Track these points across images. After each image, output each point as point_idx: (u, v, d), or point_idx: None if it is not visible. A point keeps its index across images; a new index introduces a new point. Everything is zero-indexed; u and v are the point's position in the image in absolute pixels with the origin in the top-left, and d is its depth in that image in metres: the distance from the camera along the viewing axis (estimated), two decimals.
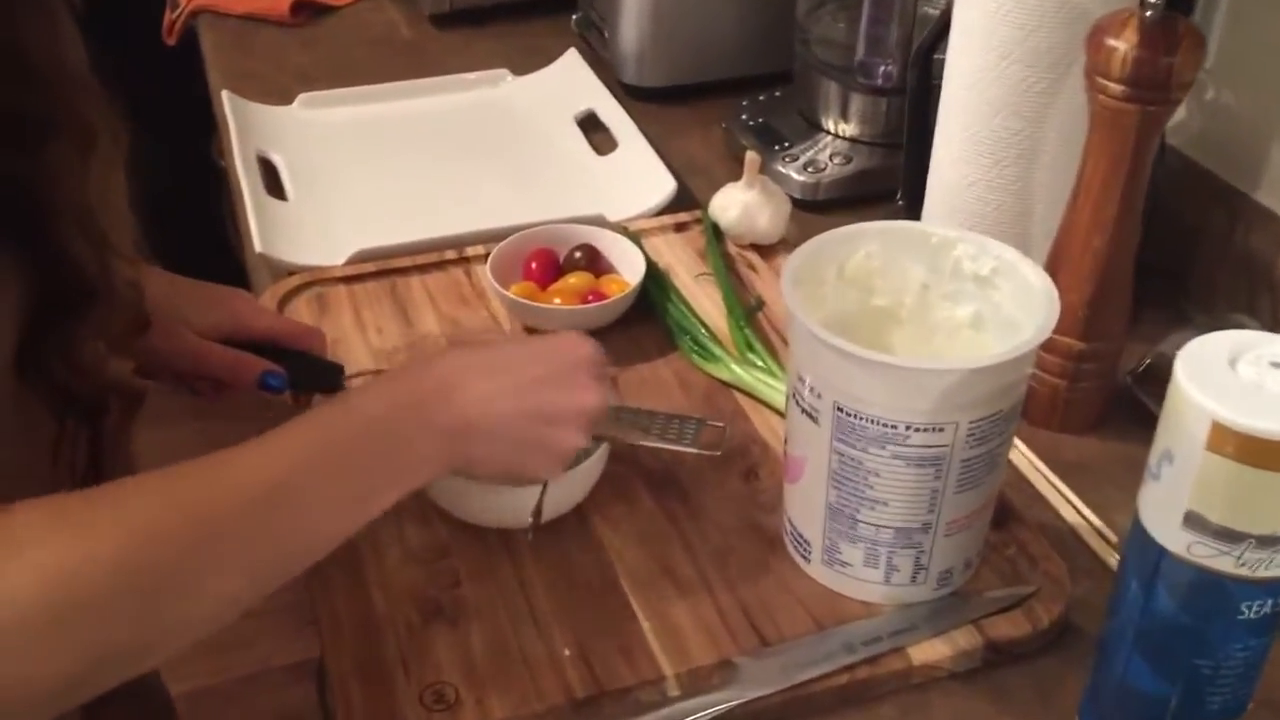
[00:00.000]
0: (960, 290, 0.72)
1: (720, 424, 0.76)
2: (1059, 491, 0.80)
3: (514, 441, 0.64)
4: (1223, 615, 0.55)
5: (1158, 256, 0.94)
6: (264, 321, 0.79)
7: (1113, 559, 0.75)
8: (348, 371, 0.81)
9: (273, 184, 1.08)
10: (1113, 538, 0.76)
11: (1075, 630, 0.70)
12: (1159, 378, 0.85)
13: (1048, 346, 0.82)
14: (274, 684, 1.81)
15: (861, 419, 0.63)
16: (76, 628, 0.49)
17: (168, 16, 1.45)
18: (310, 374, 0.78)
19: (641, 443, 0.74)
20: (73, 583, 0.49)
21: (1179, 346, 0.55)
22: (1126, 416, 0.85)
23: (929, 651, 0.67)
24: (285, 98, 1.21)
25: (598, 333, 0.89)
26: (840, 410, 0.64)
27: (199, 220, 1.65)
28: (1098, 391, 0.84)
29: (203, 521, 0.53)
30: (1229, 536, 0.53)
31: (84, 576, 0.49)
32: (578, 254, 0.94)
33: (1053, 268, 0.81)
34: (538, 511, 0.70)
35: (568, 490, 0.73)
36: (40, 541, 0.49)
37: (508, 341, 0.69)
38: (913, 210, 0.98)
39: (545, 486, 0.70)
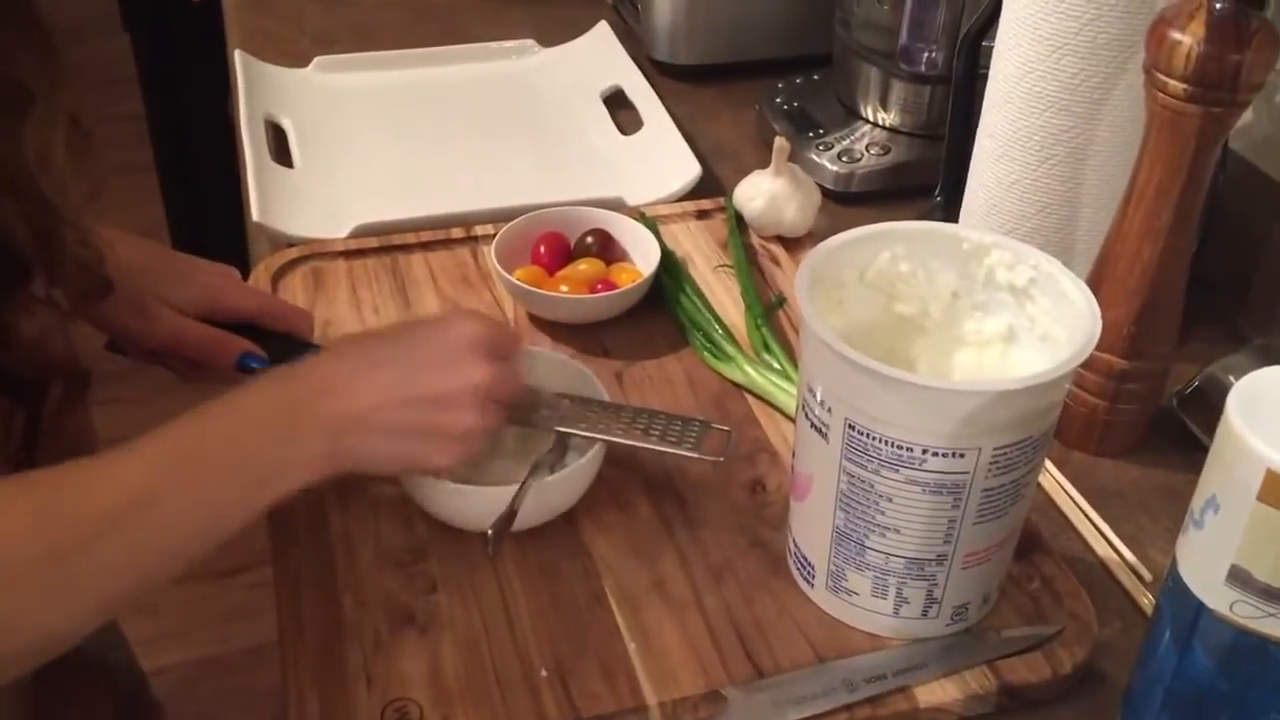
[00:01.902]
0: (993, 300, 0.66)
1: (725, 428, 0.71)
2: (1091, 521, 0.74)
3: (403, 433, 0.61)
4: (1265, 682, 0.50)
5: (1214, 269, 0.87)
6: (247, 300, 0.75)
7: (1146, 600, 0.69)
8: None
9: (281, 150, 1.04)
10: (1148, 576, 0.70)
11: (1100, 677, 0.64)
12: (1208, 402, 0.79)
13: (1088, 364, 0.76)
14: (276, 657, 1.80)
15: (874, 438, 0.58)
16: None
17: None
18: (290, 357, 0.74)
19: (637, 444, 0.69)
20: None
21: (1231, 369, 0.49)
22: (1170, 442, 0.79)
23: (937, 693, 0.62)
24: (302, 60, 1.17)
25: (605, 324, 0.85)
26: (851, 427, 0.58)
27: (216, 183, 1.62)
28: (1140, 414, 0.78)
29: (48, 547, 0.50)
30: (1278, 597, 0.47)
31: None
32: (589, 239, 0.88)
33: (1097, 278, 0.75)
34: (503, 521, 0.64)
35: (554, 494, 0.68)
36: None
37: (394, 332, 0.67)
38: (951, 207, 0.92)
39: (520, 491, 0.65)
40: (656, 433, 0.70)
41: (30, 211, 0.54)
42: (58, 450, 0.64)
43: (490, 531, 0.64)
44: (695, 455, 0.69)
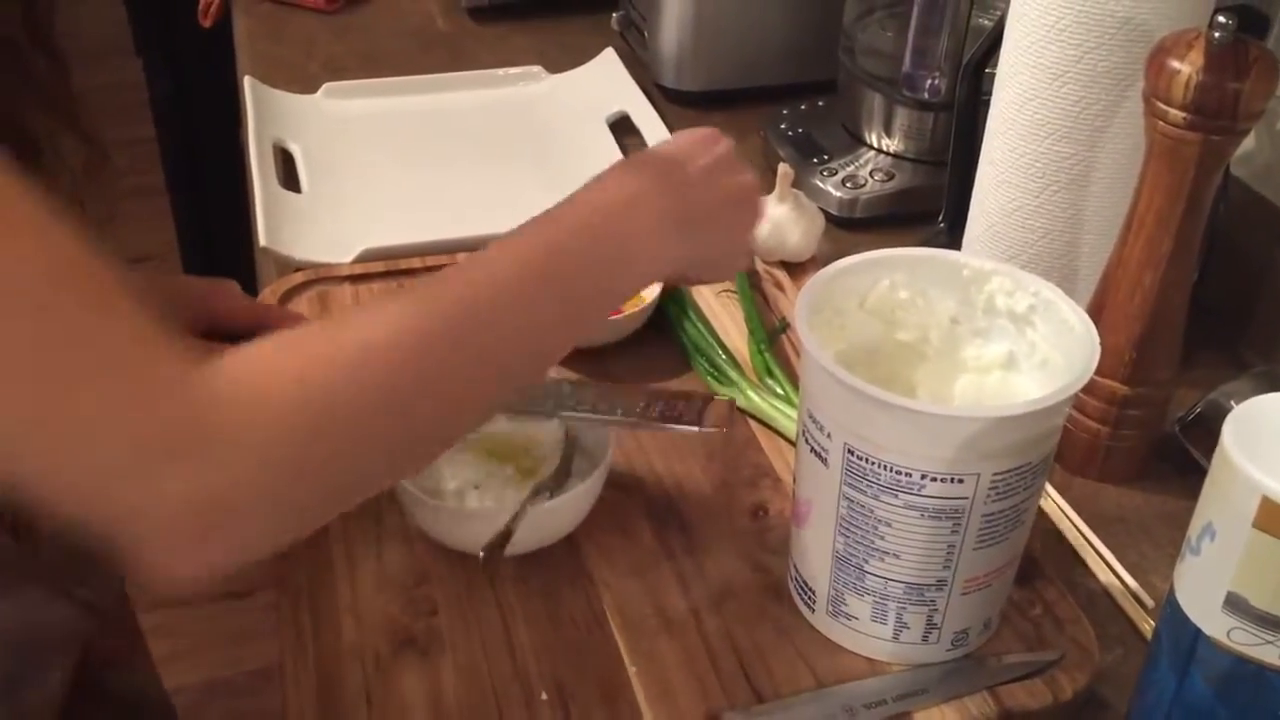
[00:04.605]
0: (993, 327, 0.67)
1: (728, 398, 0.71)
2: (1093, 547, 0.74)
3: (704, 231, 0.61)
4: (1262, 709, 0.49)
5: (1216, 296, 0.88)
6: (245, 312, 0.74)
7: (1148, 626, 0.68)
8: None
9: (289, 175, 1.05)
10: (1150, 602, 0.70)
11: (1101, 704, 0.64)
12: (1210, 428, 0.79)
13: (1090, 390, 0.76)
14: None
15: (873, 463, 0.58)
16: (327, 443, 0.45)
17: None
18: None
19: (640, 426, 0.68)
20: (326, 399, 0.45)
21: (1233, 395, 0.49)
22: (1173, 468, 0.79)
23: (937, 719, 0.62)
24: (311, 86, 1.18)
25: (609, 349, 0.85)
26: (851, 452, 0.59)
27: (226, 207, 1.63)
28: (1142, 440, 0.78)
29: (452, 326, 0.50)
30: (1275, 624, 0.47)
31: (337, 393, 0.46)
32: None
33: (1099, 304, 0.75)
34: (498, 541, 0.64)
35: (555, 518, 0.68)
36: (283, 365, 0.46)
37: (668, 142, 0.66)
38: (955, 233, 0.92)
39: (518, 513, 0.65)
40: (657, 412, 0.69)
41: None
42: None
43: (482, 551, 0.64)
44: (698, 430, 0.68)
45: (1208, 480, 0.49)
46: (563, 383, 0.71)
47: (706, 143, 0.64)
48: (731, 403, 0.70)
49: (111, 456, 0.41)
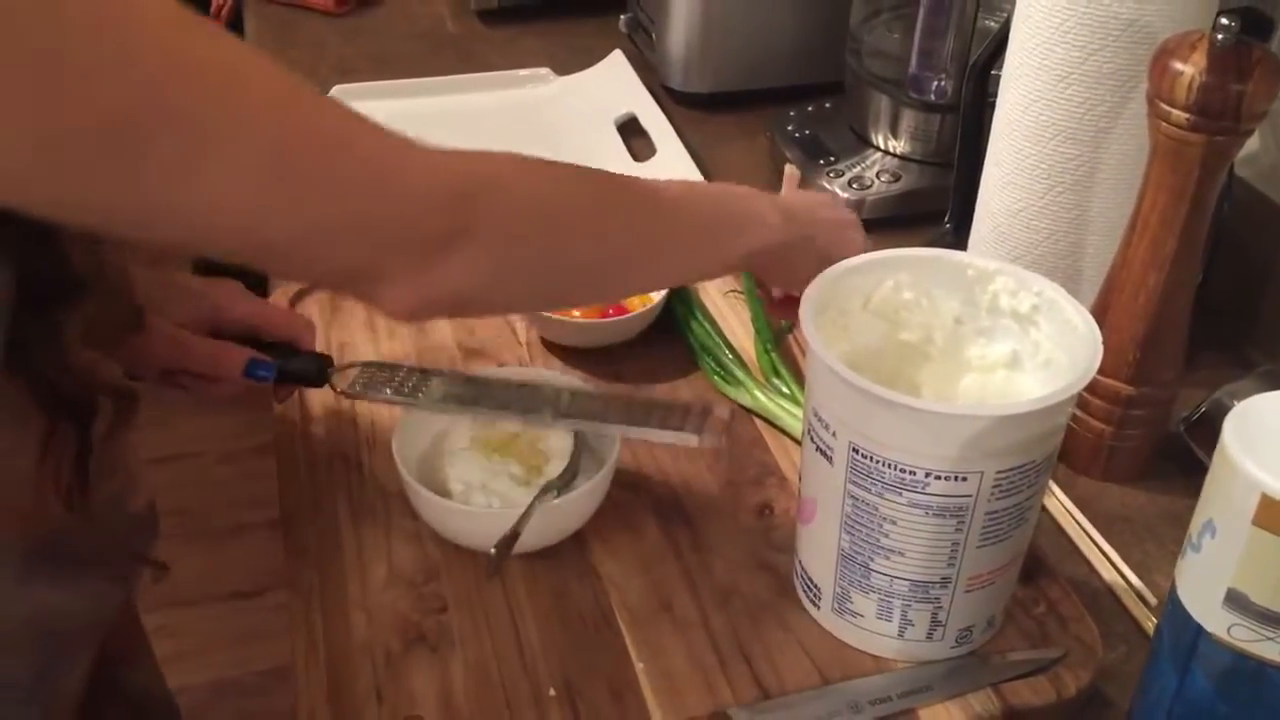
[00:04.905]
0: (997, 326, 0.67)
1: (726, 412, 0.71)
2: (1097, 546, 0.74)
3: (804, 236, 0.69)
4: (1264, 706, 0.50)
5: (1221, 296, 0.88)
6: (247, 311, 0.75)
7: (1152, 625, 0.69)
8: (337, 364, 0.77)
9: None
10: (1153, 601, 0.71)
11: (1104, 701, 0.65)
12: (1214, 428, 0.79)
13: (1094, 390, 0.77)
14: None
15: (877, 462, 0.59)
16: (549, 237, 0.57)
17: (215, 0, 1.44)
18: (296, 365, 0.75)
19: (639, 434, 0.69)
20: (552, 203, 0.57)
21: (1238, 395, 0.50)
22: (1178, 468, 0.79)
23: (941, 715, 0.62)
24: (322, 88, 1.18)
25: (617, 349, 0.86)
26: (856, 451, 0.59)
27: None
28: (1146, 439, 0.79)
29: (630, 202, 0.62)
30: (1275, 621, 0.48)
31: (560, 201, 0.58)
32: None
33: (1103, 305, 0.76)
34: (507, 541, 0.65)
35: (562, 516, 0.69)
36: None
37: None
38: (961, 234, 0.93)
39: (526, 512, 0.66)
40: (656, 419, 0.70)
41: (82, 235, 0.56)
42: (111, 474, 0.66)
43: (493, 550, 0.64)
44: (697, 441, 0.69)
45: (1208, 478, 0.49)
46: (563, 391, 0.71)
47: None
48: (732, 415, 0.70)
49: (381, 211, 0.50)
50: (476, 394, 0.71)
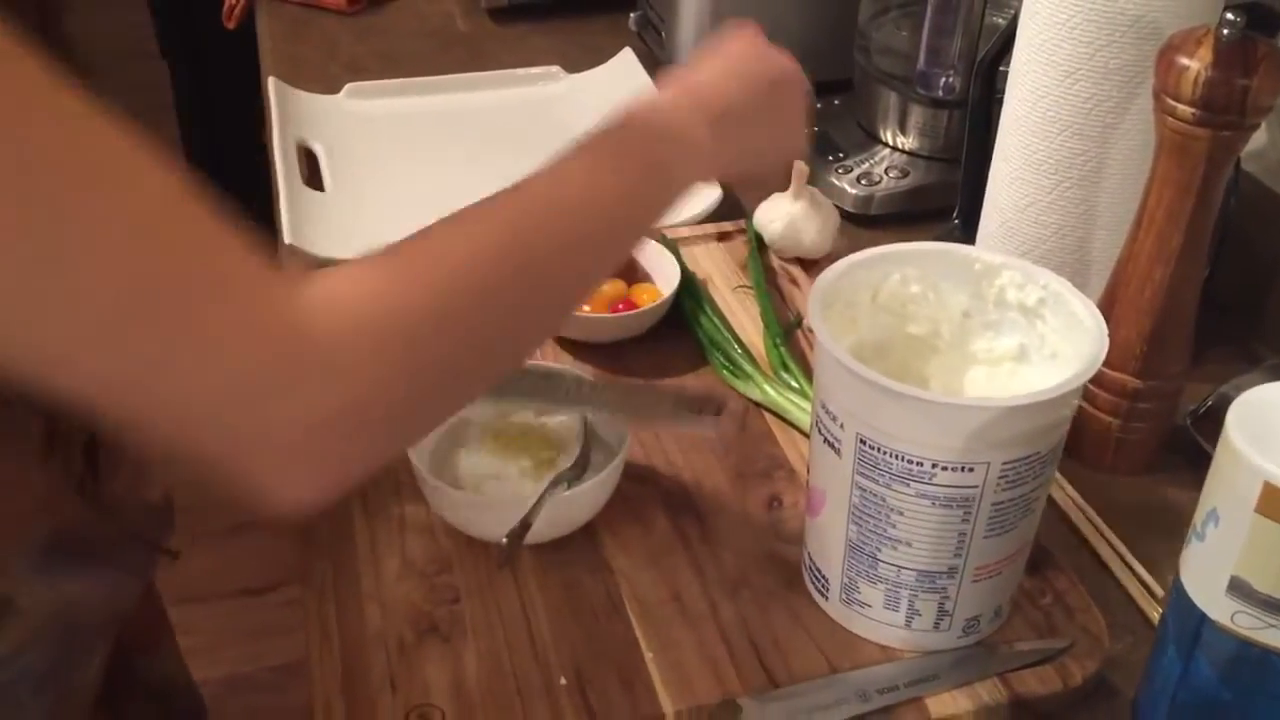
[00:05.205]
0: (1004, 320, 0.68)
1: (741, 405, 0.72)
2: (1104, 538, 0.75)
3: (762, 118, 0.63)
4: (1266, 692, 0.51)
5: (1228, 291, 0.88)
6: None
7: (1158, 615, 0.69)
8: None
9: (312, 174, 1.06)
10: (1159, 592, 0.71)
11: (1110, 690, 0.65)
12: (1221, 421, 0.80)
13: (1101, 383, 0.77)
14: (306, 673, 1.82)
15: (885, 453, 0.59)
16: (408, 348, 0.47)
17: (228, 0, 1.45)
18: None
19: (656, 422, 0.70)
20: (420, 317, 0.47)
21: (1244, 389, 0.50)
22: (1184, 461, 0.79)
23: (948, 704, 0.63)
24: (334, 87, 1.20)
25: (627, 343, 0.86)
26: (863, 442, 0.60)
27: (249, 207, 1.65)
28: (1153, 432, 0.79)
29: (522, 241, 0.53)
30: (1277, 608, 0.48)
31: (430, 310, 0.48)
32: None
33: (1110, 299, 0.76)
34: (518, 531, 0.66)
35: (573, 507, 0.70)
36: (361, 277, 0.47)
37: (703, 53, 0.66)
38: (969, 230, 0.93)
39: (537, 503, 0.66)
40: (672, 410, 0.70)
41: None
42: (124, 471, 0.66)
43: (505, 540, 0.65)
44: (714, 432, 0.69)
45: (1212, 467, 0.50)
46: (583, 380, 0.72)
47: (736, 35, 0.66)
48: (747, 405, 0.71)
49: (224, 384, 0.42)
50: (499, 383, 0.72)
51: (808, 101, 0.66)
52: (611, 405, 0.71)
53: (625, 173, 0.57)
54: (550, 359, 0.85)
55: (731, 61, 0.64)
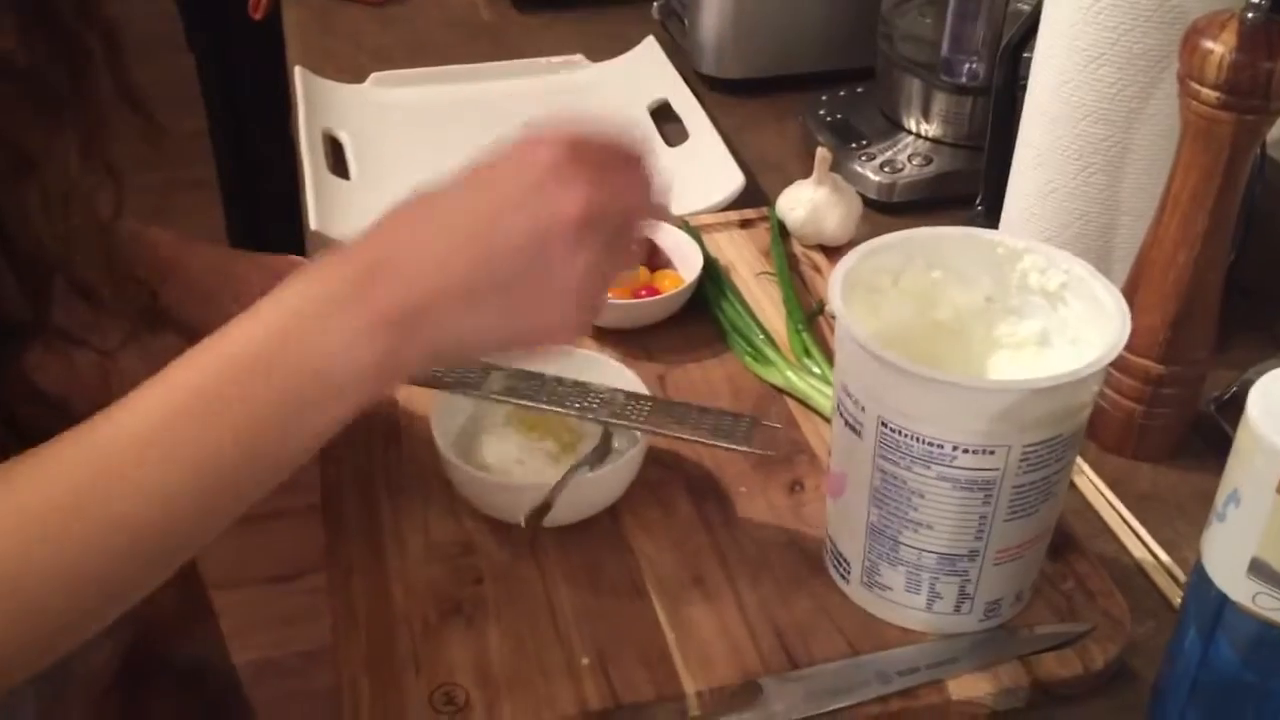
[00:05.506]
0: (1026, 304, 0.68)
1: (776, 424, 0.72)
2: (1127, 523, 0.75)
3: (492, 303, 0.48)
4: None
5: (1253, 277, 0.88)
6: None
7: (1180, 601, 0.69)
8: None
9: (338, 162, 1.07)
10: (1182, 577, 0.71)
11: (1131, 675, 0.65)
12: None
13: (1124, 368, 0.77)
14: (331, 658, 1.84)
15: (906, 436, 0.59)
16: None
17: None
18: None
19: (688, 438, 0.70)
20: None
21: None
22: (1208, 447, 0.79)
23: (969, 686, 0.63)
24: (359, 76, 1.21)
25: (649, 329, 0.87)
26: (884, 425, 0.60)
27: (275, 195, 1.67)
28: (1177, 418, 0.79)
29: (76, 499, 0.44)
30: None
31: None
32: None
33: (1134, 284, 0.76)
34: (538, 511, 0.66)
35: (596, 489, 0.70)
36: None
37: (460, 176, 0.51)
38: (992, 217, 0.93)
39: (559, 483, 0.67)
40: (707, 428, 0.71)
41: (23, 269, 0.53)
42: None
43: (524, 517, 0.66)
44: (747, 448, 0.70)
45: (1233, 449, 0.50)
46: (617, 393, 0.72)
47: (522, 152, 0.50)
48: (779, 428, 0.71)
49: None
50: (534, 389, 0.72)
51: (587, 246, 0.49)
52: (649, 421, 0.71)
53: (237, 420, 0.46)
54: (574, 345, 0.86)
55: (476, 214, 0.49)
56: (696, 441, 0.71)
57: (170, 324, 0.72)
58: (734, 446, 0.70)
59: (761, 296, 0.91)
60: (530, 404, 0.71)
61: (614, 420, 0.71)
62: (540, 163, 0.49)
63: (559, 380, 0.72)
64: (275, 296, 0.48)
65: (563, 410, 0.70)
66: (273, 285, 0.73)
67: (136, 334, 0.61)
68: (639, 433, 0.72)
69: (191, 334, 0.73)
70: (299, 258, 0.79)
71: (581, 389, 0.72)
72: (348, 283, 0.47)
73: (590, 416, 0.71)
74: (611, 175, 0.50)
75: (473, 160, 0.51)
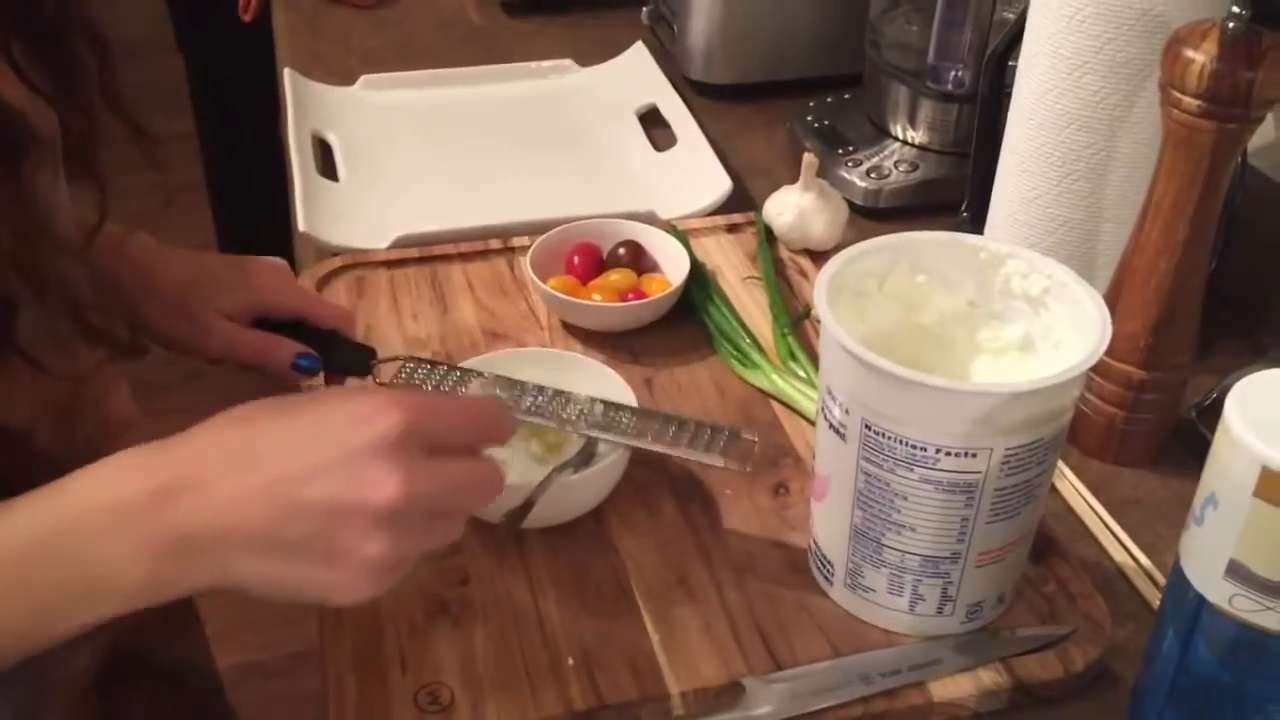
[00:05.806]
0: (1009, 309, 0.68)
1: (753, 438, 0.72)
2: (1108, 528, 0.75)
3: (279, 555, 0.48)
4: (1263, 675, 0.51)
5: (1234, 284, 0.89)
6: (293, 301, 0.76)
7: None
8: (380, 355, 0.79)
9: (327, 165, 1.08)
10: (1162, 581, 0.71)
11: (1111, 677, 0.66)
12: None
13: (1106, 374, 0.78)
14: (318, 660, 1.83)
15: (890, 438, 0.60)
16: None
17: None
18: (341, 356, 0.76)
19: (666, 452, 0.71)
20: None
21: None
22: (1189, 453, 0.80)
23: (951, 688, 0.63)
24: (349, 79, 1.21)
25: (636, 332, 0.87)
26: (868, 428, 0.61)
27: (264, 197, 1.67)
28: (1158, 424, 0.80)
29: None
30: (1275, 591, 0.49)
31: None
32: (621, 250, 0.91)
33: (1115, 290, 0.77)
34: (518, 511, 0.67)
35: (579, 492, 0.71)
36: None
37: (296, 409, 0.51)
38: (978, 223, 0.94)
39: (540, 485, 0.67)
40: (685, 439, 0.71)
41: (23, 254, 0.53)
42: (80, 416, 0.66)
43: (503, 518, 0.66)
44: (722, 463, 0.70)
45: (1211, 452, 0.51)
46: (596, 402, 0.72)
47: (357, 417, 0.49)
48: (755, 442, 0.71)
49: None
50: (514, 398, 0.72)
51: (383, 539, 0.48)
52: (627, 431, 0.71)
53: (7, 595, 0.47)
54: (560, 346, 0.86)
55: (287, 463, 0.48)
56: (672, 455, 0.71)
57: (151, 339, 0.72)
58: (710, 462, 0.70)
59: (748, 300, 0.91)
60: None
61: (591, 432, 0.71)
62: (373, 432, 0.49)
63: (540, 389, 0.72)
64: (79, 485, 0.48)
65: (541, 421, 0.71)
66: (246, 297, 0.72)
67: (114, 361, 0.61)
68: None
69: (171, 346, 0.74)
70: (281, 260, 0.79)
71: (562, 399, 0.72)
72: (144, 495, 0.48)
73: (569, 429, 0.71)
74: (441, 466, 0.50)
75: (318, 394, 0.52)
